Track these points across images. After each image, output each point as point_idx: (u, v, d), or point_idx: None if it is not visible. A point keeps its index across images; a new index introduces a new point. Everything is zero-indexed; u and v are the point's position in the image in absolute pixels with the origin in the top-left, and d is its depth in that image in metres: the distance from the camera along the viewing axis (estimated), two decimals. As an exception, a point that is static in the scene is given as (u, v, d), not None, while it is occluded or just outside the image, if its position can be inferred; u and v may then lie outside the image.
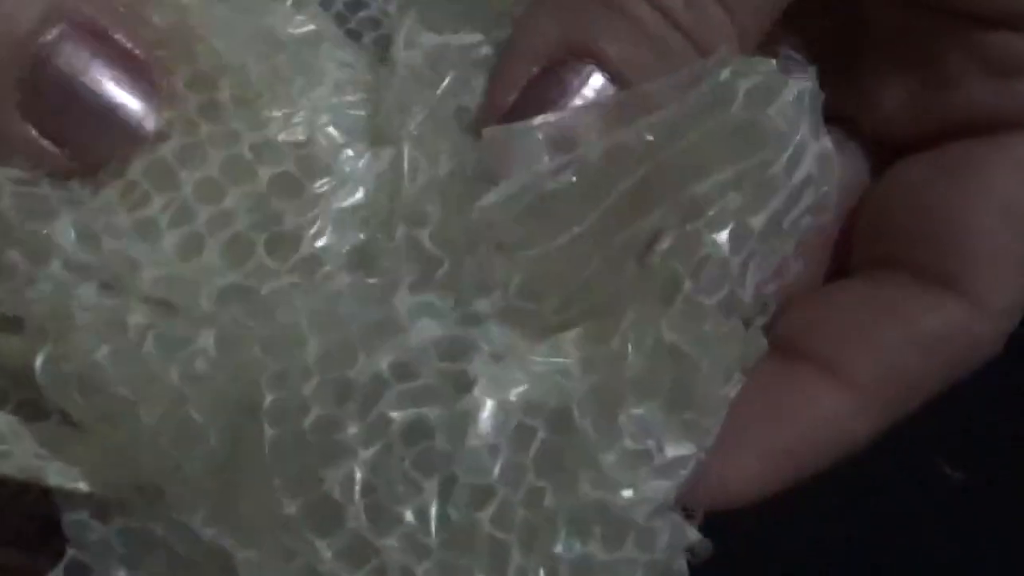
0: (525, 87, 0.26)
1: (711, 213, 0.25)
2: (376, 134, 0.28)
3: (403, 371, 0.25)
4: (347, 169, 0.27)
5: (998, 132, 0.30)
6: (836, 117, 0.30)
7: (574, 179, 0.26)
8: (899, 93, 0.31)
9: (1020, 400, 0.46)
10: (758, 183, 0.26)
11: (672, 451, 0.25)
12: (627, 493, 0.25)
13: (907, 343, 0.29)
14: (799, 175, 0.26)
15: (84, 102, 0.26)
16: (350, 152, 0.28)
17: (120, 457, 0.26)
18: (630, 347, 0.25)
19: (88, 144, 0.27)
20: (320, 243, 0.27)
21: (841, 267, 0.32)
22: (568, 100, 0.26)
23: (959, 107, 0.30)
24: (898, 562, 0.41)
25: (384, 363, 0.25)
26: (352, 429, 0.24)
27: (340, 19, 0.30)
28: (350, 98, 0.28)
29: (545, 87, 0.26)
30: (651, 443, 0.25)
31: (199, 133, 0.27)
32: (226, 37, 0.28)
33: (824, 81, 0.29)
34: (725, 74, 0.26)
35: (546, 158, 0.26)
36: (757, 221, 0.26)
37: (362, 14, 0.30)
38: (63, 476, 0.26)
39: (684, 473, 0.25)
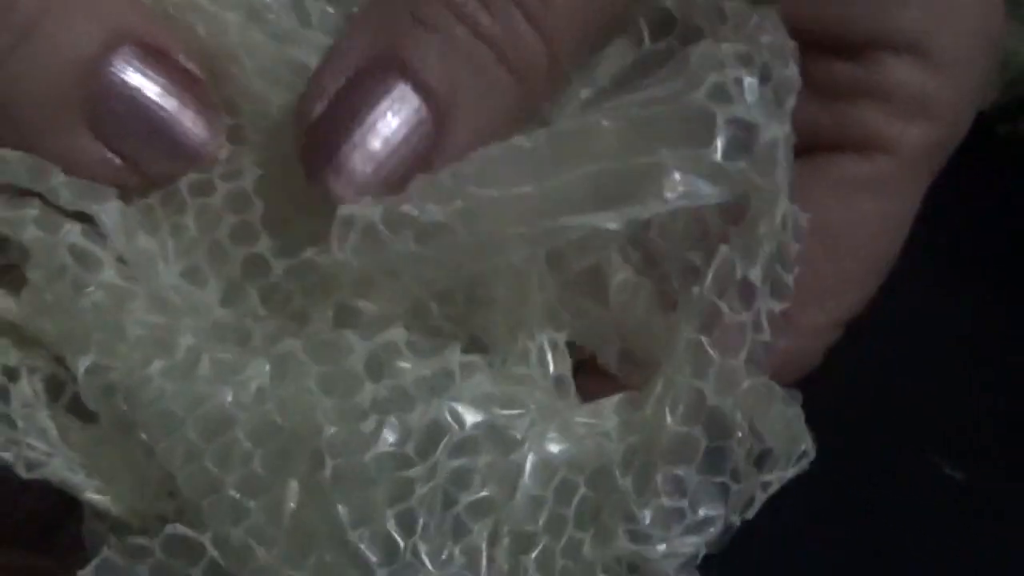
0: (333, 98, 0.26)
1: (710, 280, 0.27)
2: None
3: (459, 422, 0.26)
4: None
5: (816, 154, 0.32)
6: None
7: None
8: None
9: (1020, 400, 0.46)
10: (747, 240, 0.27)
11: (704, 511, 0.27)
12: (660, 547, 0.26)
13: None
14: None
15: (149, 122, 0.27)
16: None
17: (154, 474, 0.26)
18: (667, 415, 0.27)
19: (152, 162, 0.27)
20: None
21: None
22: (376, 111, 0.26)
23: None
24: (898, 562, 0.42)
25: (441, 414, 0.26)
26: (413, 470, 0.26)
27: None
28: None
29: (352, 98, 0.26)
30: (684, 502, 0.27)
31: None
32: (254, 62, 0.28)
33: None
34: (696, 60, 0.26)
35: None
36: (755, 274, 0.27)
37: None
38: (95, 494, 0.27)
39: (713, 531, 0.27)
